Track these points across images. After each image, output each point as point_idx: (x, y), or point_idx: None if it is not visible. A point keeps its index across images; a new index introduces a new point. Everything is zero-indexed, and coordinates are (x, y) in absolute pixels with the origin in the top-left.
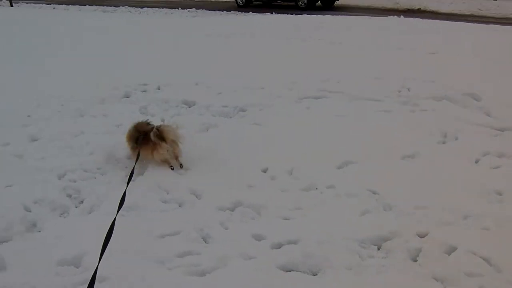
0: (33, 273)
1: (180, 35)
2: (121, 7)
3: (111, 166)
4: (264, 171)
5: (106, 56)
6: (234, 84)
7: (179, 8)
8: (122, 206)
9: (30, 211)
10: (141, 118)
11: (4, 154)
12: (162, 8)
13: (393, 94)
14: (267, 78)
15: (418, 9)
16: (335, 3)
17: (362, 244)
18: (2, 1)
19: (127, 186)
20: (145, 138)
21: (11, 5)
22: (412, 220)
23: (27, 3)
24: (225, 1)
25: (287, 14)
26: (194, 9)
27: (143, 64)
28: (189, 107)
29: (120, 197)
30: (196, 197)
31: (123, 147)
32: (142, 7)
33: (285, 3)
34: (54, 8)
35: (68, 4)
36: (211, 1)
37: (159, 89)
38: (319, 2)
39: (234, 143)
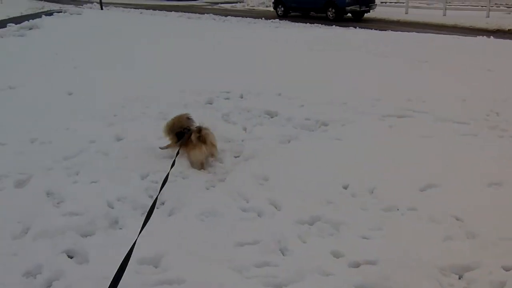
0: (114, 269)
1: (263, 45)
2: (205, 14)
3: (192, 171)
4: (345, 187)
5: (191, 62)
6: (316, 97)
7: (263, 18)
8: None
9: (113, 208)
10: (223, 125)
11: (90, 151)
12: (246, 17)
13: (480, 118)
14: (350, 93)
15: (508, 30)
16: (364, 16)
17: (443, 272)
18: (93, 4)
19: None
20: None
21: (101, 8)
22: (497, 251)
23: (116, 6)
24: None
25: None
26: (277, 20)
27: (226, 72)
28: (271, 117)
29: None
30: (276, 208)
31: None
32: (226, 16)
33: (318, 14)
34: (141, 13)
35: (155, 10)
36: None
37: (242, 97)
38: (349, 14)
39: (315, 157)
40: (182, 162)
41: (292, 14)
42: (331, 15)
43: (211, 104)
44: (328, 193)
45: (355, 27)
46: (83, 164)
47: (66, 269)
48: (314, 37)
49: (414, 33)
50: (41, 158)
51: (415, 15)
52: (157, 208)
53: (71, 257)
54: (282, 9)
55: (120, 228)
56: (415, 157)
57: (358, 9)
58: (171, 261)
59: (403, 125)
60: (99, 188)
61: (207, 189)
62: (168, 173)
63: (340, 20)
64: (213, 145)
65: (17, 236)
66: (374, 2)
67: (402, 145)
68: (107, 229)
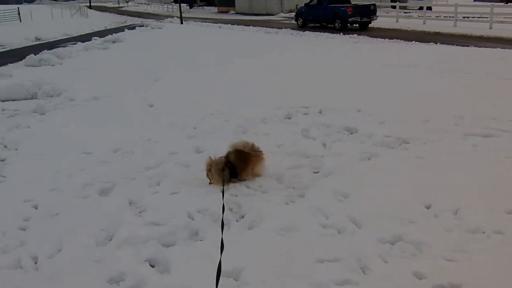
0: (194, 279)
1: (339, 60)
2: (283, 29)
3: (272, 185)
4: (427, 207)
5: (269, 76)
6: (397, 114)
7: (341, 33)
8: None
9: (193, 219)
10: (302, 140)
11: (171, 162)
12: (324, 32)
13: None
14: (432, 111)
15: None
16: (368, 26)
17: None
18: (173, 18)
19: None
20: (240, 158)
21: (181, 23)
22: None
23: (195, 21)
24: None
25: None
26: (356, 34)
27: (305, 86)
28: (351, 133)
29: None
30: (356, 225)
31: (286, 167)
32: (303, 31)
33: (329, 25)
34: (219, 27)
35: (233, 24)
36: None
37: (321, 112)
38: (355, 24)
39: (396, 175)
40: (263, 176)
41: (310, 25)
42: (337, 26)
43: (289, 119)
44: (409, 213)
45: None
46: (164, 175)
47: (148, 277)
48: (387, 53)
49: (498, 49)
50: (124, 168)
51: (500, 30)
52: (237, 221)
53: (153, 266)
54: (301, 20)
55: (201, 240)
56: (500, 179)
57: (359, 19)
58: (251, 275)
59: (488, 145)
60: (180, 199)
61: (287, 204)
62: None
63: (345, 29)
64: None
65: (100, 243)
66: (375, 14)
67: (487, 166)
68: (187, 240)
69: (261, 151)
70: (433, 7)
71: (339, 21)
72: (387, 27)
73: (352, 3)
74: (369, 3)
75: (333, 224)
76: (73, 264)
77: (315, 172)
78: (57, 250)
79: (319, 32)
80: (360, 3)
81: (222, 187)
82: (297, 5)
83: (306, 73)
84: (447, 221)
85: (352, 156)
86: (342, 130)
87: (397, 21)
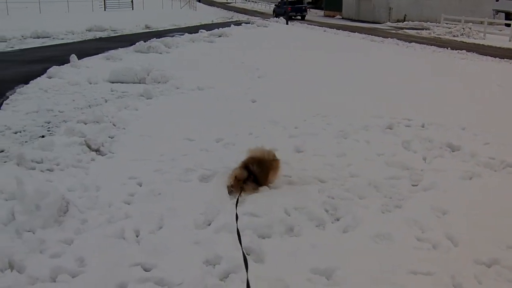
0: (288, 273)
1: (448, 76)
2: (389, 38)
3: (369, 192)
4: None
5: (371, 84)
6: (504, 137)
7: (449, 48)
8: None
9: (289, 216)
10: (402, 151)
11: None
12: (431, 45)
13: None
14: None
15: None
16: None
17: None
18: (279, 18)
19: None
20: (261, 167)
21: (287, 23)
22: None
23: (301, 23)
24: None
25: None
26: (464, 50)
27: (410, 99)
28: (453, 151)
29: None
30: (452, 243)
31: (385, 176)
32: (410, 42)
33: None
34: (324, 31)
35: (339, 29)
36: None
37: (423, 126)
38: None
39: (497, 198)
40: (356, 182)
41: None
42: (285, 17)
43: (391, 129)
44: (509, 239)
45: None
46: None
47: (242, 264)
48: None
49: None
50: (225, 158)
51: None
52: (332, 223)
53: (248, 254)
54: (274, 14)
55: (296, 236)
56: None
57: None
58: (343, 277)
59: None
60: (278, 195)
61: (383, 212)
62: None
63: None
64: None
65: (199, 226)
66: (306, 12)
67: None
68: (283, 234)
69: (278, 159)
70: None
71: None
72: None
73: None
74: (303, 5)
75: (428, 238)
76: (172, 242)
77: (413, 185)
78: (158, 227)
79: (425, 45)
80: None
81: (238, 198)
82: (405, 15)
83: (411, 86)
84: None
85: (453, 173)
86: (444, 146)
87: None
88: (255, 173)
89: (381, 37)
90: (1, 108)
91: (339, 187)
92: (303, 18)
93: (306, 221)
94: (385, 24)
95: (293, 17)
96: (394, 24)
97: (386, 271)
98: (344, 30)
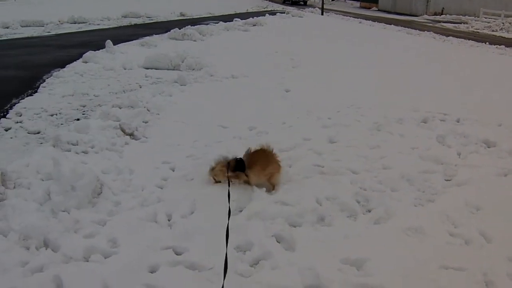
0: (318, 262)
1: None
2: (425, 32)
3: (403, 185)
4: None
5: (406, 77)
6: None
7: (487, 42)
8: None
9: (321, 205)
10: (437, 146)
11: (304, 148)
12: (468, 40)
13: None
14: None
15: None
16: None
17: None
18: (314, 9)
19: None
20: (255, 155)
21: (322, 14)
22: None
23: (336, 13)
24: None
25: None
26: (503, 46)
27: (445, 93)
28: (489, 147)
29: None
30: (485, 239)
31: (418, 170)
32: (447, 36)
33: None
34: (360, 22)
35: (374, 21)
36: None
37: (458, 121)
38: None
39: None
40: (389, 175)
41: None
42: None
43: (425, 123)
44: None
45: None
46: (296, 158)
47: (273, 251)
48: None
49: None
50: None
51: None
52: (363, 214)
53: (279, 242)
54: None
55: (327, 226)
56: None
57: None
58: (374, 268)
59: None
60: (311, 184)
61: (415, 206)
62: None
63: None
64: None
65: (232, 213)
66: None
67: None
68: (314, 223)
69: (279, 162)
70: None
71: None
72: None
73: None
74: None
75: (461, 234)
76: (204, 227)
77: (447, 180)
78: (190, 212)
79: (462, 39)
80: None
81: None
82: (443, 8)
83: (446, 80)
84: None
85: (488, 169)
86: (480, 142)
87: None
88: (244, 157)
89: (417, 30)
90: (38, 91)
91: (372, 179)
92: (305, 4)
93: (337, 212)
94: (422, 17)
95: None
96: (431, 17)
97: (417, 265)
98: (379, 22)
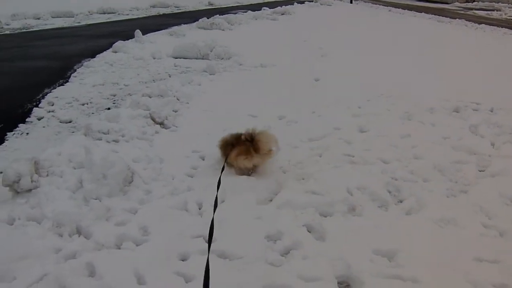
0: (349, 252)
1: None
2: (457, 19)
3: (434, 175)
4: None
5: (438, 66)
6: None
7: None
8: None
9: (351, 195)
10: (469, 136)
11: (334, 137)
12: (501, 27)
13: None
14: None
15: None
16: None
17: None
18: None
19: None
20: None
21: (351, 2)
22: None
23: (365, 2)
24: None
25: None
26: None
27: (477, 82)
28: None
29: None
30: None
31: (450, 160)
32: (479, 23)
33: None
34: (389, 10)
35: (404, 9)
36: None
37: (492, 111)
38: None
39: None
40: (421, 165)
41: None
42: None
43: (457, 112)
44: None
45: None
46: (326, 148)
47: (304, 241)
48: None
49: None
50: (287, 135)
51: None
52: (395, 205)
53: (309, 232)
54: None
55: (358, 216)
56: None
57: None
58: (406, 259)
59: None
60: (341, 174)
61: (448, 197)
62: (219, 179)
63: None
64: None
65: (261, 202)
66: None
67: None
68: (345, 213)
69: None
70: None
71: None
72: None
73: None
74: None
75: (495, 225)
76: (234, 216)
77: (480, 171)
78: (220, 200)
79: (495, 27)
80: None
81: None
82: None
83: (479, 69)
84: None
85: None
86: None
87: None
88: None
89: (448, 18)
90: (69, 80)
91: (403, 168)
92: None
93: (368, 201)
94: (453, 4)
95: None
96: (463, 5)
97: (450, 256)
98: (410, 10)
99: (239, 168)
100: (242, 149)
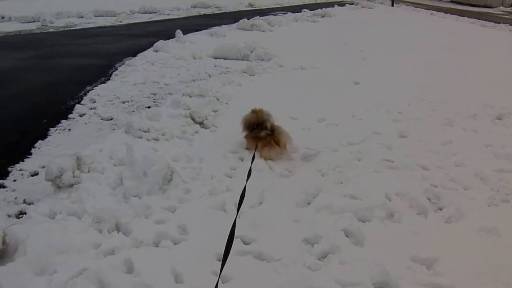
0: (387, 258)
1: None
2: (501, 24)
3: (475, 183)
4: None
5: (482, 71)
6: None
7: None
8: (241, 203)
9: (390, 201)
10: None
11: (374, 141)
12: None
13: None
14: None
15: None
16: None
17: None
18: (384, 0)
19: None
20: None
21: (392, 5)
22: None
23: (407, 5)
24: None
25: None
26: None
27: None
28: None
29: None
30: None
31: (492, 169)
32: None
33: None
34: (431, 14)
35: (447, 13)
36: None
37: None
38: None
39: None
40: (462, 172)
41: None
42: None
43: (500, 120)
44: None
45: None
46: (366, 152)
47: (342, 246)
48: None
49: None
50: (327, 139)
51: None
52: (434, 212)
53: (347, 236)
54: None
55: (397, 222)
56: None
57: None
58: (445, 267)
59: None
60: (380, 179)
61: (489, 206)
62: (250, 169)
63: None
64: (284, 147)
65: (300, 205)
66: None
67: None
68: (383, 219)
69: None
70: None
71: None
72: None
73: None
74: None
75: None
76: (272, 218)
77: None
78: (258, 202)
79: None
80: None
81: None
82: None
83: None
84: None
85: None
86: None
87: None
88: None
89: (492, 23)
90: (111, 78)
91: (443, 175)
92: None
93: (407, 208)
94: (497, 8)
95: None
96: (508, 9)
97: (491, 267)
98: (452, 14)
99: (263, 158)
100: (265, 142)
